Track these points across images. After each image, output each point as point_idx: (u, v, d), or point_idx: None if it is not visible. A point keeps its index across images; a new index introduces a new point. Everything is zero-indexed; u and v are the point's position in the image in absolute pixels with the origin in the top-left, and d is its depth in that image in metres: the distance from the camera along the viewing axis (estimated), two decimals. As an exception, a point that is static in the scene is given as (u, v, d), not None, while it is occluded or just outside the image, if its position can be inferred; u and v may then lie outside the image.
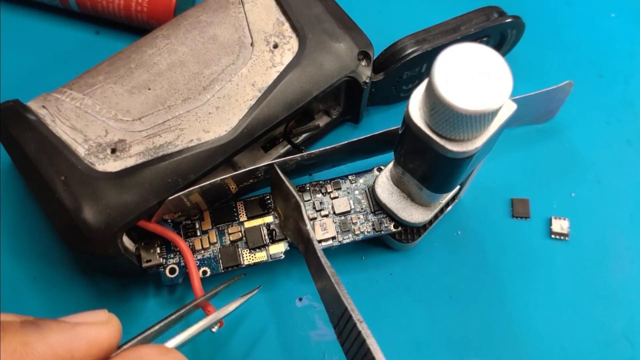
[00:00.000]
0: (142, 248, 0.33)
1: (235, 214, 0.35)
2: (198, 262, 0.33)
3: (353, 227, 0.34)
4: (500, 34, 0.39)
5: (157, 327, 0.26)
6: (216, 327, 0.30)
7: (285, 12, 0.35)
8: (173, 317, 0.27)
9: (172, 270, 0.33)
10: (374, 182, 0.34)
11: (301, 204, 0.30)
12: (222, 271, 0.33)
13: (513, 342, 0.35)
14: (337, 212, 0.35)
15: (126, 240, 0.32)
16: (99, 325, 0.21)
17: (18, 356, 0.18)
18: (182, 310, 0.28)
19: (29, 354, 0.18)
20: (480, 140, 0.25)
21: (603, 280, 0.36)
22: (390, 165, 0.34)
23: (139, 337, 0.25)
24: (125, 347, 0.23)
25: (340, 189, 0.35)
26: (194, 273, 0.32)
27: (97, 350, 0.20)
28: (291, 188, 0.31)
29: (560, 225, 0.37)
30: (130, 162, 0.31)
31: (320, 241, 0.34)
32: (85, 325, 0.20)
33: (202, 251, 0.34)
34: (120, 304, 0.35)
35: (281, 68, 0.34)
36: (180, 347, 0.26)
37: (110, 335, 0.21)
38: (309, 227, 0.30)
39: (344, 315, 0.25)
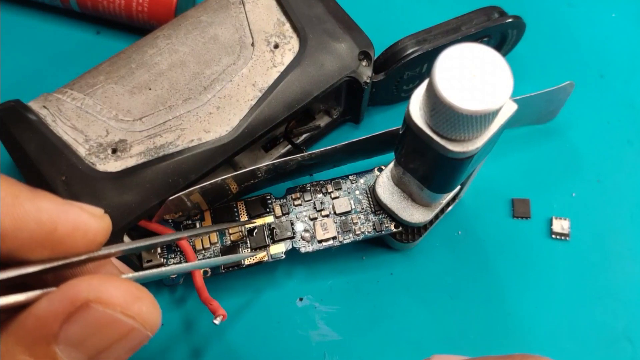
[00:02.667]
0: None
1: (236, 214, 0.35)
2: (199, 262, 0.33)
3: (354, 227, 0.34)
4: (501, 34, 0.39)
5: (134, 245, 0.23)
6: (219, 320, 0.30)
7: (286, 12, 0.35)
8: (148, 242, 0.24)
9: (173, 270, 0.33)
10: (374, 182, 0.34)
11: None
12: (223, 271, 0.33)
13: (514, 342, 0.35)
14: (337, 212, 0.35)
15: (127, 240, 0.32)
16: (90, 215, 0.20)
17: (5, 204, 0.18)
18: (159, 240, 0.25)
19: (16, 205, 0.18)
20: (480, 141, 0.25)
21: (604, 280, 0.36)
22: (391, 165, 0.34)
23: (125, 247, 0.22)
24: (110, 249, 0.21)
25: (340, 189, 0.35)
26: (196, 271, 0.31)
27: (81, 235, 0.19)
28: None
29: (560, 225, 0.37)
30: (131, 162, 0.31)
31: (320, 241, 0.34)
32: (79, 208, 0.20)
33: (203, 251, 0.34)
34: (121, 304, 0.35)
35: (282, 68, 0.34)
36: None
37: (98, 228, 0.20)
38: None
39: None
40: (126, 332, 0.19)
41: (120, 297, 0.19)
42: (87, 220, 0.20)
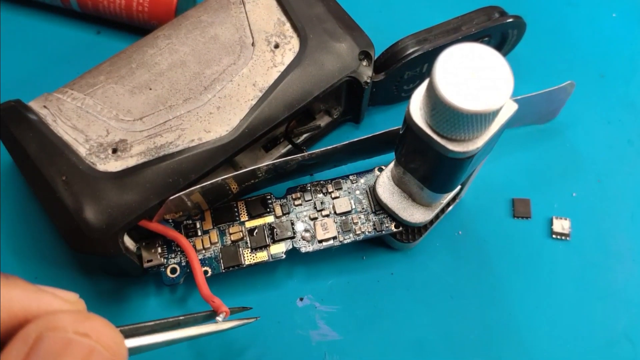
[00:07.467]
0: (143, 248, 0.33)
1: (237, 213, 0.35)
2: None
3: (354, 227, 0.34)
4: (501, 34, 0.39)
5: (151, 324, 0.25)
6: (222, 317, 0.30)
7: (286, 12, 0.35)
8: (171, 319, 0.27)
9: (173, 270, 0.33)
10: (374, 182, 0.34)
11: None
12: (223, 271, 0.33)
13: (514, 342, 0.35)
14: (338, 212, 0.35)
15: (127, 240, 0.32)
16: (64, 302, 0.20)
17: None
18: (181, 318, 0.28)
19: None
20: (481, 140, 0.25)
21: (604, 280, 0.36)
22: (391, 165, 0.34)
23: (131, 326, 0.24)
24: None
25: (341, 188, 0.35)
26: (197, 269, 0.31)
27: None
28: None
29: (561, 225, 0.37)
30: (131, 162, 0.31)
31: (321, 241, 0.34)
32: (52, 295, 0.19)
33: (203, 251, 0.34)
34: (120, 304, 0.35)
35: (282, 68, 0.34)
36: (144, 351, 0.24)
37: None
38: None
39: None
40: (87, 353, 0.18)
41: (69, 318, 0.18)
42: (61, 308, 0.19)
